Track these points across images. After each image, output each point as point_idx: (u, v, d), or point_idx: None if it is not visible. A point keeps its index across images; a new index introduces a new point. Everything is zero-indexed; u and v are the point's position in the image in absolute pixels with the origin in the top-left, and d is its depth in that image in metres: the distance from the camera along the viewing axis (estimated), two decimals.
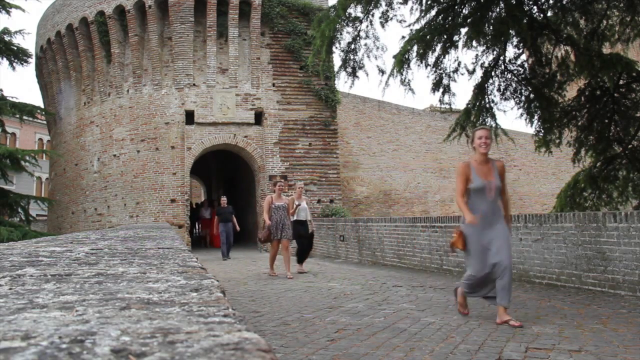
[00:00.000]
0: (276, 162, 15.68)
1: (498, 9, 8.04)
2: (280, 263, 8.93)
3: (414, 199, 20.74)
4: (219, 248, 14.34)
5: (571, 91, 9.73)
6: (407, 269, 9.15)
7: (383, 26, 8.52)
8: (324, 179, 15.99)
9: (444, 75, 8.71)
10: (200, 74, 15.85)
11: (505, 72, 8.96)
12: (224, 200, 13.32)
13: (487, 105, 8.92)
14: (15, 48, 16.04)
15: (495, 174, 4.38)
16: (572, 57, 8.52)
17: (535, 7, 8.59)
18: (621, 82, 8.56)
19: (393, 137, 20.73)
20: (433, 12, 8.19)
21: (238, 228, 13.17)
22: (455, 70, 8.77)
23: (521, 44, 8.85)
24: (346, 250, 11.97)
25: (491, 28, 8.07)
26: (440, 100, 8.96)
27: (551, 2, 8.79)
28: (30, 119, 21.86)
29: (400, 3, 8.37)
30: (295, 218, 8.71)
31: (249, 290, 6.68)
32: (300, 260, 9.02)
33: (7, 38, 15.83)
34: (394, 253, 9.90)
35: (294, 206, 8.76)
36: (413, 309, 4.97)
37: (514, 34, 8.29)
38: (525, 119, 9.13)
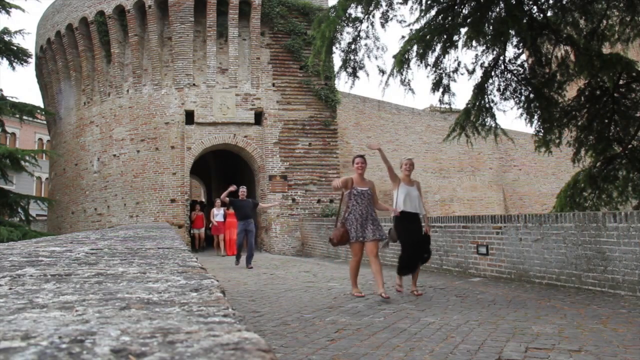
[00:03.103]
0: (276, 162, 15.68)
1: (498, 9, 8.04)
2: (365, 278, 7.02)
3: None
4: (233, 256, 12.14)
5: (571, 91, 9.73)
6: None
7: (383, 26, 8.53)
8: (323, 179, 15.99)
9: (443, 75, 8.71)
10: (200, 74, 15.85)
11: (505, 72, 8.96)
12: (243, 191, 10.58)
13: (487, 105, 8.92)
14: (15, 48, 16.05)
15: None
16: (572, 57, 8.52)
17: (535, 7, 8.59)
18: (621, 82, 8.57)
19: (393, 137, 20.73)
20: (433, 12, 8.20)
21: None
22: (455, 70, 8.78)
23: (521, 44, 8.86)
24: (346, 250, 11.97)
25: (491, 28, 8.08)
26: (440, 100, 8.96)
27: (551, 2, 8.79)
28: (30, 119, 21.87)
29: (400, 3, 8.37)
30: (401, 208, 5.95)
31: (249, 290, 6.68)
32: (405, 271, 5.98)
33: (7, 38, 15.83)
34: (394, 253, 9.88)
35: (398, 192, 6.03)
36: (413, 309, 4.97)
37: (514, 34, 8.29)
38: (525, 119, 9.13)
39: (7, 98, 15.55)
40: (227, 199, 10.25)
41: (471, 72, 8.99)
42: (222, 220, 14.08)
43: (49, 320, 0.69)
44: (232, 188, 10.15)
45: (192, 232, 15.77)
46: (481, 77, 8.90)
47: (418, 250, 6.00)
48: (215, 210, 14.45)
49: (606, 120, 9.07)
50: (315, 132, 16.13)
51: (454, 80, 8.73)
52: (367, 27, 8.43)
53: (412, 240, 5.95)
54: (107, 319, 0.69)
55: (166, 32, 16.03)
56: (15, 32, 16.05)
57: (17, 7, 15.74)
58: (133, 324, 0.66)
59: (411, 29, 8.33)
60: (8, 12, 15.65)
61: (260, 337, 0.58)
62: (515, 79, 8.98)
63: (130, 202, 15.72)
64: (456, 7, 8.12)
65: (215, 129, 15.63)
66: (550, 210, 11.67)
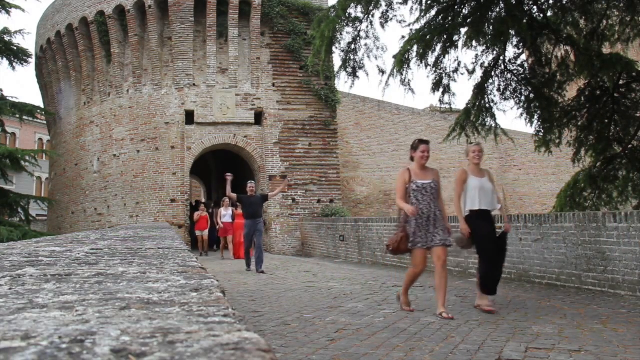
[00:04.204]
0: (276, 162, 15.68)
1: (498, 9, 8.04)
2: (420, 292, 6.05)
3: None
4: (241, 259, 11.20)
5: (571, 91, 9.73)
6: (407, 269, 9.14)
7: (383, 26, 8.52)
8: (324, 179, 16.00)
9: (444, 75, 8.70)
10: (200, 74, 15.85)
11: (505, 72, 8.96)
12: (251, 186, 9.52)
13: (487, 105, 8.92)
14: (15, 48, 16.06)
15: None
16: (572, 57, 8.52)
17: (535, 7, 8.58)
18: (621, 82, 8.57)
19: (393, 137, 20.73)
20: (433, 12, 8.19)
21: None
22: (455, 70, 8.77)
23: (521, 44, 8.85)
24: (346, 250, 11.97)
25: (491, 28, 8.07)
26: (440, 100, 8.96)
27: (551, 2, 8.79)
28: (30, 119, 21.86)
29: (400, 3, 8.36)
30: (476, 207, 4.89)
31: (249, 290, 6.67)
32: (491, 286, 4.88)
33: (7, 38, 15.84)
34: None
35: (469, 186, 4.96)
36: (413, 308, 4.96)
37: (514, 34, 8.29)
38: (525, 119, 9.13)
39: (7, 98, 15.56)
40: (234, 195, 9.43)
41: (471, 72, 8.99)
42: (231, 221, 13.10)
43: (49, 320, 0.69)
44: (229, 177, 9.36)
45: (195, 233, 14.45)
46: (481, 77, 8.89)
47: (499, 258, 4.87)
48: (223, 211, 13.46)
49: (606, 120, 9.06)
50: (315, 132, 16.13)
51: (454, 80, 8.73)
52: (367, 27, 8.43)
53: (493, 245, 4.82)
54: (107, 319, 0.69)
55: (166, 32, 16.03)
56: (15, 32, 16.07)
57: (17, 7, 15.75)
58: (133, 324, 0.66)
59: (411, 29, 8.33)
60: (8, 12, 15.66)
61: (260, 337, 0.58)
62: (515, 79, 8.98)
63: (131, 202, 15.72)
64: (456, 7, 8.12)
65: (215, 129, 15.63)
66: (550, 210, 11.66)
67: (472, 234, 4.81)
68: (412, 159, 5.05)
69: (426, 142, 5.05)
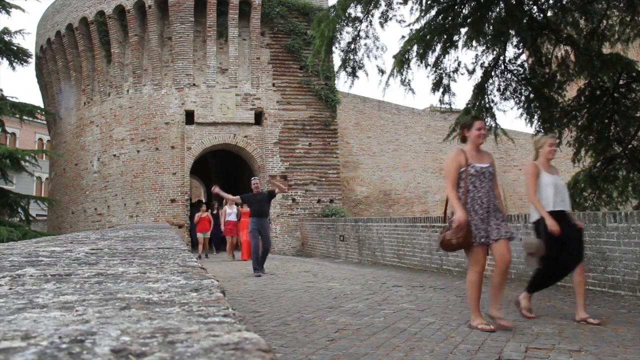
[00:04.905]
0: (276, 162, 15.69)
1: (498, 9, 8.04)
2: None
3: (414, 199, 20.75)
4: (247, 261, 10.77)
5: (571, 91, 9.73)
6: (407, 269, 9.15)
7: (383, 26, 8.53)
8: (324, 179, 16.00)
9: (444, 75, 8.70)
10: (200, 74, 15.86)
11: (505, 72, 8.96)
12: (256, 183, 8.98)
13: (487, 105, 8.92)
14: (15, 48, 16.06)
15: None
16: (572, 57, 8.52)
17: (535, 7, 8.58)
18: (621, 82, 8.56)
19: (393, 137, 20.73)
20: (433, 12, 8.19)
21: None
22: (455, 70, 8.77)
23: (521, 44, 8.85)
24: (346, 250, 11.97)
25: (491, 28, 8.07)
26: (440, 100, 8.96)
27: (551, 2, 8.79)
28: (30, 119, 21.87)
29: (400, 3, 8.37)
30: (550, 207, 4.30)
31: (249, 290, 6.68)
32: (541, 287, 4.59)
33: (7, 38, 15.85)
34: (394, 253, 9.89)
35: (542, 183, 4.39)
36: (413, 309, 4.96)
37: (514, 34, 8.29)
38: (525, 119, 9.12)
39: (7, 98, 15.56)
40: (238, 197, 8.99)
41: (471, 72, 8.99)
42: (236, 219, 12.58)
43: (49, 320, 0.69)
44: (215, 189, 8.75)
45: (196, 235, 13.66)
46: (481, 77, 8.89)
47: (575, 259, 4.31)
48: (228, 209, 12.85)
49: (606, 120, 9.06)
50: (315, 132, 16.14)
51: (454, 80, 8.73)
52: (367, 26, 8.43)
53: (570, 250, 4.28)
54: (107, 319, 0.69)
55: (166, 32, 16.04)
56: (15, 32, 16.07)
57: (17, 7, 15.75)
58: (133, 324, 0.66)
59: (411, 29, 8.33)
60: (8, 12, 15.67)
61: (260, 337, 0.58)
62: (515, 79, 8.98)
63: (130, 202, 15.72)
64: (456, 7, 8.12)
65: (215, 129, 15.64)
66: None
67: (548, 239, 4.19)
68: (463, 140, 4.29)
69: (481, 119, 4.41)
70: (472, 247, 3.97)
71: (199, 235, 13.33)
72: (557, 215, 4.24)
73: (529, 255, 4.34)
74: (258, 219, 8.66)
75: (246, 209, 11.44)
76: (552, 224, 4.15)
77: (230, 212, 12.72)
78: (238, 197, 9.03)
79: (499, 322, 3.84)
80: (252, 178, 9.24)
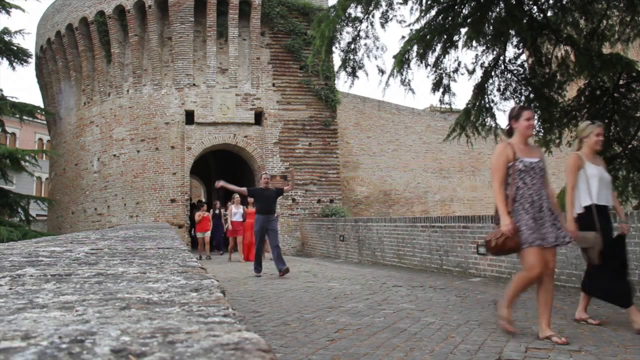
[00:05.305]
0: (276, 162, 15.69)
1: (498, 9, 8.04)
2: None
3: (414, 199, 20.75)
4: (250, 262, 10.27)
5: (571, 91, 9.73)
6: (407, 269, 9.15)
7: (383, 26, 8.53)
8: (324, 179, 16.00)
9: (444, 75, 8.71)
10: (200, 74, 15.86)
11: (505, 72, 8.96)
12: (266, 177, 8.57)
13: (487, 105, 8.92)
14: (15, 48, 16.07)
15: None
16: (572, 57, 8.52)
17: (535, 7, 8.59)
18: (621, 82, 8.56)
19: (393, 137, 20.73)
20: (433, 12, 8.20)
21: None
22: (455, 70, 8.77)
23: (521, 44, 8.86)
24: (346, 250, 11.97)
25: (491, 28, 8.08)
26: (440, 100, 8.96)
27: (551, 2, 8.79)
28: (30, 119, 21.88)
29: (400, 3, 8.37)
30: (594, 201, 3.99)
31: (249, 290, 6.68)
32: (626, 299, 3.96)
33: (7, 38, 15.86)
34: (394, 253, 9.89)
35: (587, 174, 4.03)
36: (413, 309, 4.96)
37: (514, 34, 8.29)
38: None
39: (7, 98, 15.56)
40: (244, 189, 8.49)
41: (471, 72, 8.99)
42: (241, 220, 12.10)
43: (49, 320, 0.69)
44: (220, 183, 8.18)
45: (196, 235, 13.35)
46: (481, 77, 8.90)
47: (622, 263, 3.97)
48: (234, 208, 12.27)
49: (606, 120, 9.06)
50: (315, 132, 16.14)
51: (454, 80, 8.73)
52: (367, 27, 8.43)
53: (618, 249, 4.00)
54: (107, 319, 0.69)
55: (166, 32, 16.04)
56: (15, 32, 16.09)
57: (17, 7, 15.76)
58: (133, 324, 0.66)
59: (411, 29, 8.33)
60: (8, 12, 15.68)
61: (260, 337, 0.58)
62: (515, 79, 8.98)
63: (130, 202, 15.73)
64: (456, 7, 8.12)
65: (215, 129, 15.64)
66: None
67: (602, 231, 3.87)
68: (509, 133, 3.91)
69: (530, 108, 3.97)
70: (522, 250, 3.59)
71: (199, 235, 13.07)
72: (600, 210, 3.96)
73: (586, 251, 3.99)
74: (265, 217, 8.18)
75: (251, 209, 11.32)
76: (570, 225, 3.91)
77: (236, 212, 12.24)
78: (245, 189, 8.62)
79: (555, 339, 3.45)
80: (263, 173, 8.81)
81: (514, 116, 3.84)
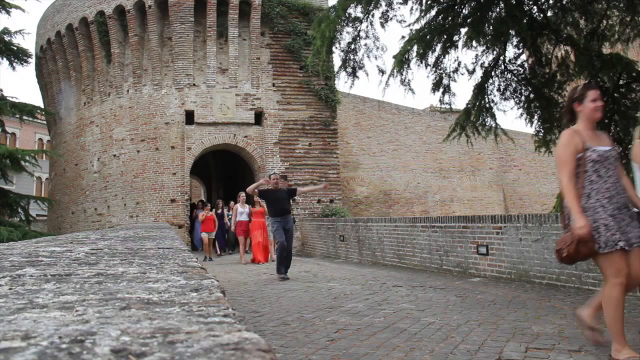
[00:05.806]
0: (276, 162, 15.68)
1: (498, 9, 8.04)
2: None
3: (414, 199, 20.75)
4: (259, 264, 10.35)
5: None
6: (407, 269, 9.15)
7: (383, 26, 8.54)
8: (324, 179, 15.99)
9: (444, 75, 8.71)
10: (200, 74, 15.86)
11: (505, 72, 8.97)
12: (275, 177, 8.01)
13: (487, 105, 8.92)
14: (15, 48, 16.08)
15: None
16: (572, 57, 8.52)
17: (535, 7, 8.59)
18: (621, 82, 8.56)
19: (393, 137, 20.74)
20: (433, 12, 8.20)
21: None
22: (455, 70, 8.78)
23: (521, 44, 8.86)
24: (346, 250, 11.97)
25: (491, 28, 8.08)
26: (440, 100, 8.97)
27: (551, 2, 8.79)
28: (30, 119, 21.87)
29: (400, 3, 8.37)
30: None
31: (249, 290, 6.68)
32: None
33: (7, 38, 15.86)
34: (394, 253, 9.89)
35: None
36: (413, 309, 4.96)
37: (514, 34, 8.29)
38: (525, 119, 9.13)
39: (7, 98, 15.57)
40: (257, 190, 8.27)
41: (471, 72, 9.00)
42: (247, 219, 11.75)
43: (49, 320, 0.69)
44: (262, 182, 8.02)
45: (200, 236, 12.93)
46: (481, 77, 8.90)
47: None
48: (240, 208, 11.89)
49: (606, 120, 9.06)
50: (315, 132, 16.14)
51: (454, 80, 8.74)
52: (367, 27, 8.44)
53: None
54: (107, 319, 0.69)
55: (166, 32, 16.04)
56: (15, 32, 16.09)
57: (17, 7, 15.77)
58: (133, 324, 0.66)
59: (411, 29, 8.34)
60: (8, 12, 15.68)
61: (260, 337, 0.58)
62: (515, 79, 8.99)
63: (130, 202, 15.73)
64: (456, 7, 8.12)
65: (215, 129, 15.64)
66: (550, 210, 11.66)
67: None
68: (571, 119, 3.28)
69: (595, 87, 3.23)
70: (601, 255, 2.93)
71: (204, 235, 12.57)
72: None
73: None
74: (282, 218, 7.78)
75: (256, 208, 11.14)
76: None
77: (242, 212, 11.85)
78: (257, 190, 8.25)
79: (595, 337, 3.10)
80: (272, 173, 8.26)
81: (576, 98, 3.19)
